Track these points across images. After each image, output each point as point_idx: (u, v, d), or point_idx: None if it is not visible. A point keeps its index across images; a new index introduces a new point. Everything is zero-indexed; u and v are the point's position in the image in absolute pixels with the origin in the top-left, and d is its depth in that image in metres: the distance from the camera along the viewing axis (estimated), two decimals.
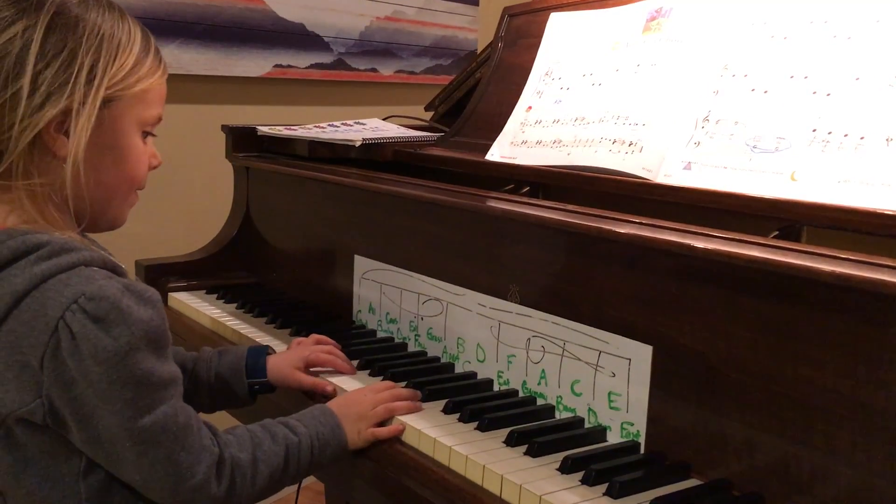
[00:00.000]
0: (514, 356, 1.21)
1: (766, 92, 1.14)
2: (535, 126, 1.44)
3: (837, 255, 0.87)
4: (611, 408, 1.08)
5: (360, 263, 1.50)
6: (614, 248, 1.07)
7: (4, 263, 0.89)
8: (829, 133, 1.05)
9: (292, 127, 1.83)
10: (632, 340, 1.05)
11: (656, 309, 1.02)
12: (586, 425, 1.11)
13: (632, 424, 1.06)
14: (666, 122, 1.23)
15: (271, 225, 1.80)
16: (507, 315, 1.22)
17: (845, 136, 1.04)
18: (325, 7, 2.67)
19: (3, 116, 0.90)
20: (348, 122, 1.91)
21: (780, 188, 1.06)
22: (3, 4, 0.92)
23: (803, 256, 0.88)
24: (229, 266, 1.82)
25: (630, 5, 1.41)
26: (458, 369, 1.31)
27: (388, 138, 1.69)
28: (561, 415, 1.15)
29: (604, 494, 0.94)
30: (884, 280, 0.80)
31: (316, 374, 1.27)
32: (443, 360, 1.34)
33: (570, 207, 1.17)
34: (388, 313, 1.45)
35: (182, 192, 2.35)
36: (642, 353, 1.04)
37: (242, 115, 2.44)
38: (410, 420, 1.12)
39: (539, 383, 1.18)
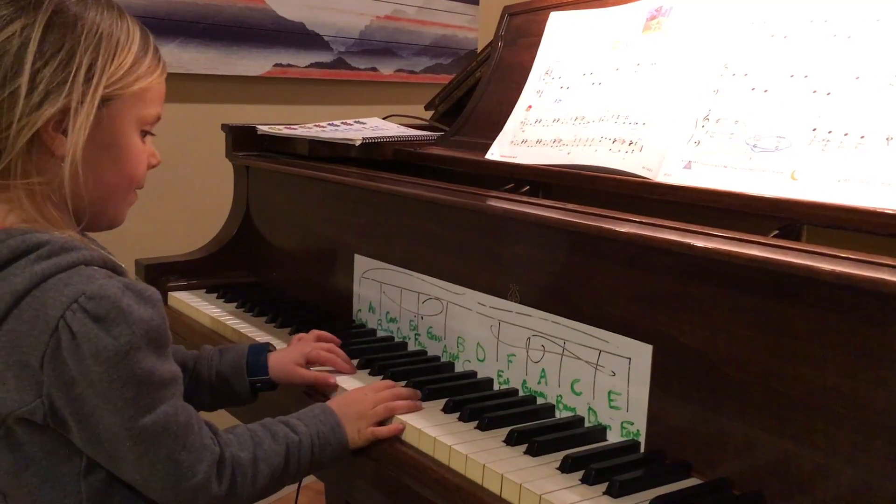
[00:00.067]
0: (514, 355, 1.21)
1: (766, 91, 1.14)
2: (535, 125, 1.44)
3: (837, 254, 0.87)
4: (611, 407, 1.08)
5: (360, 262, 1.50)
6: (614, 248, 1.07)
7: (4, 263, 0.89)
8: (830, 132, 1.05)
9: (292, 126, 1.83)
10: (632, 340, 1.05)
11: (656, 308, 1.02)
12: (586, 424, 1.11)
13: (632, 423, 1.06)
14: (666, 122, 1.23)
15: (271, 224, 1.80)
16: (507, 314, 1.22)
17: (845, 135, 1.04)
18: (325, 6, 2.67)
19: (1, 115, 0.90)
20: (348, 121, 1.91)
21: (781, 187, 1.05)
22: (1, 3, 0.92)
23: (803, 255, 0.88)
24: (229, 265, 1.82)
25: (630, 4, 1.40)
26: (458, 368, 1.31)
27: (388, 137, 1.69)
28: (561, 414, 1.15)
29: (604, 493, 0.94)
30: (884, 279, 0.80)
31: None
32: (443, 360, 1.34)
33: (571, 206, 1.17)
34: (388, 312, 1.45)
35: (182, 192, 2.35)
36: (642, 353, 1.04)
37: (242, 114, 2.44)
38: (410, 419, 1.12)
39: (539, 382, 1.18)
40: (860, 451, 0.84)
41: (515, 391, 1.21)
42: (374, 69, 2.88)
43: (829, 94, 1.08)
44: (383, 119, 1.98)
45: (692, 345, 0.99)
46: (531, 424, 1.10)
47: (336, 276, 1.57)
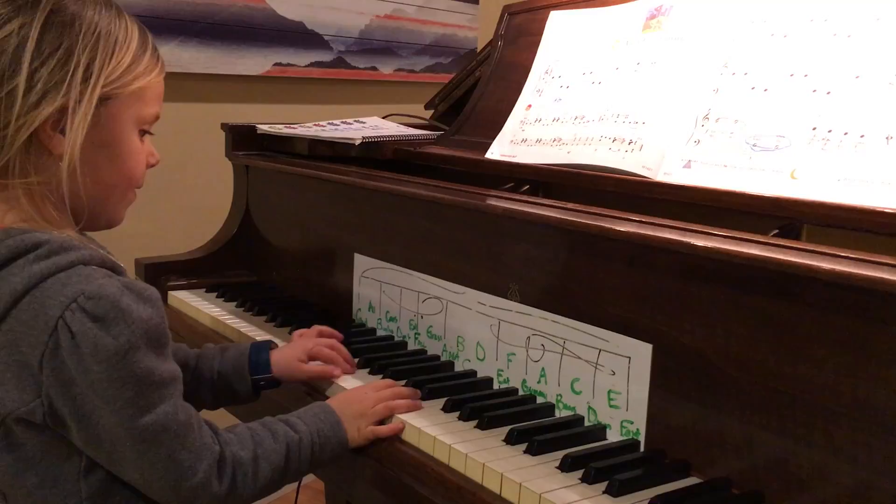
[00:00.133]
0: (514, 354, 1.21)
1: (766, 90, 1.14)
2: (534, 124, 1.44)
3: (837, 253, 0.87)
4: (610, 406, 1.08)
5: (360, 262, 1.50)
6: (614, 247, 1.07)
7: (2, 263, 0.89)
8: (829, 131, 1.05)
9: (292, 125, 1.83)
10: (631, 339, 1.05)
11: (656, 307, 1.02)
12: (586, 423, 1.11)
13: (631, 423, 1.06)
14: (666, 121, 1.23)
15: (271, 223, 1.80)
16: (506, 313, 1.22)
17: (845, 134, 1.03)
18: (325, 5, 2.67)
19: None
20: (348, 120, 1.91)
21: (780, 186, 1.05)
22: None
23: (803, 255, 0.88)
24: (229, 264, 1.82)
25: (630, 3, 1.40)
26: (458, 368, 1.31)
27: (388, 137, 1.68)
28: (560, 413, 1.15)
29: (603, 493, 0.94)
30: (883, 278, 0.80)
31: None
32: (442, 359, 1.34)
33: (570, 206, 1.17)
34: (387, 312, 1.45)
35: (182, 191, 2.35)
36: (642, 352, 1.04)
37: (242, 113, 2.44)
38: (410, 418, 1.12)
39: (539, 382, 1.18)
40: (860, 450, 0.84)
41: (515, 390, 1.21)
42: (373, 68, 2.88)
43: (828, 93, 1.08)
44: (383, 118, 1.98)
45: (692, 344, 0.99)
46: (531, 423, 1.10)
47: (336, 276, 1.57)
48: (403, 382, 1.22)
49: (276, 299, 1.66)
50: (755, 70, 1.17)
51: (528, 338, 1.18)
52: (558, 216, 1.12)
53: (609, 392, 1.08)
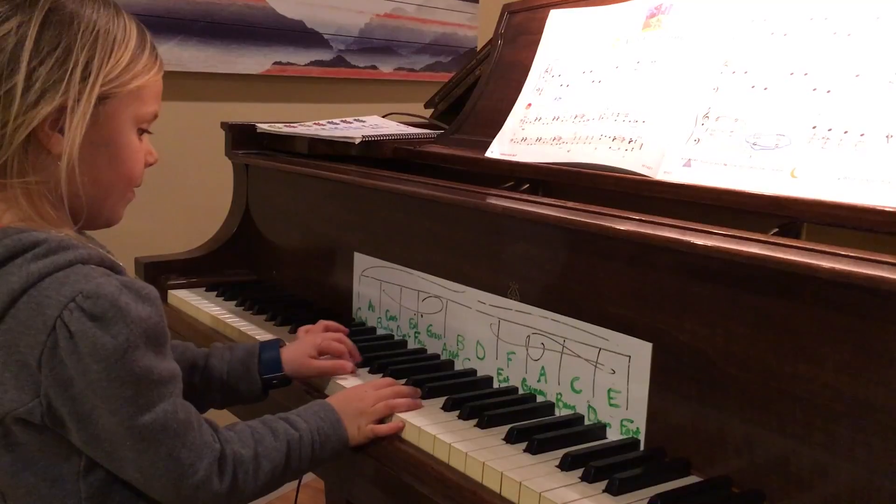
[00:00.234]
0: (514, 353, 1.21)
1: (766, 89, 1.14)
2: (534, 123, 1.44)
3: (837, 251, 0.87)
4: (610, 405, 1.08)
5: (360, 261, 1.50)
6: (614, 245, 1.07)
7: (0, 262, 0.89)
8: (829, 130, 1.05)
9: (292, 124, 1.83)
10: (631, 337, 1.05)
11: (656, 306, 1.02)
12: (586, 422, 1.11)
13: (631, 421, 1.06)
14: (666, 119, 1.23)
15: (271, 222, 1.79)
16: (506, 312, 1.22)
17: (845, 132, 1.03)
18: (325, 4, 2.67)
19: None
20: (348, 119, 1.91)
21: (780, 185, 1.05)
22: None
23: (803, 253, 0.88)
24: (229, 263, 1.82)
25: (630, 2, 1.40)
26: (458, 366, 1.31)
27: (388, 135, 1.68)
28: (560, 412, 1.15)
29: (603, 491, 0.94)
30: (883, 277, 0.80)
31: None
32: (442, 358, 1.34)
33: (570, 204, 1.17)
34: (387, 310, 1.45)
35: (181, 190, 2.35)
36: (642, 350, 1.04)
37: (242, 112, 2.44)
38: (410, 417, 1.12)
39: (539, 380, 1.18)
40: (859, 449, 0.84)
41: (515, 389, 1.21)
42: (373, 67, 2.88)
43: (828, 91, 1.07)
44: (383, 117, 1.98)
45: (692, 343, 0.99)
46: (531, 422, 1.10)
47: (336, 275, 1.57)
48: (403, 381, 1.22)
49: (276, 298, 1.66)
50: (755, 69, 1.17)
51: (528, 337, 1.18)
52: (558, 215, 1.12)
53: (609, 391, 1.08)
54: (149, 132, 1.03)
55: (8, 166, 0.91)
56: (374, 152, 1.65)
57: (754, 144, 1.11)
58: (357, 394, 1.15)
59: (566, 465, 0.98)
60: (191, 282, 1.75)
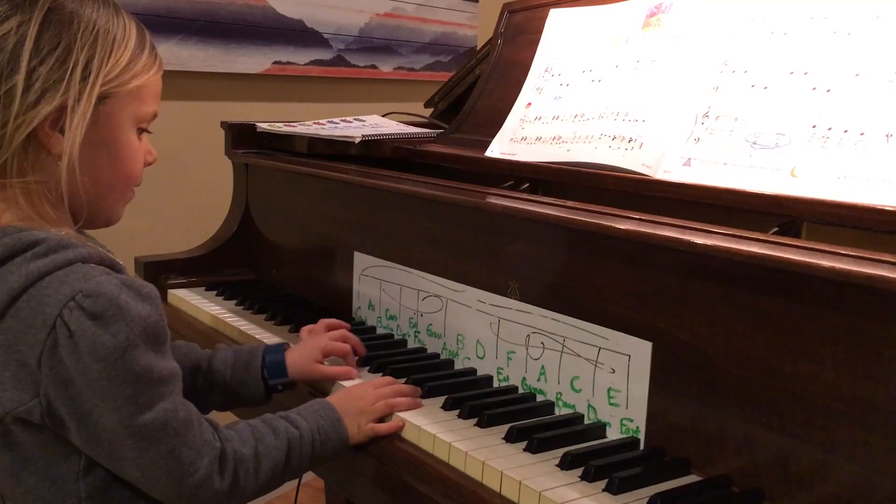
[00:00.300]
0: (514, 353, 1.21)
1: (765, 88, 1.14)
2: (534, 122, 1.44)
3: (837, 251, 0.87)
4: (610, 404, 1.08)
5: (360, 260, 1.50)
6: (614, 245, 1.07)
7: (0, 261, 0.89)
8: (829, 129, 1.05)
9: (292, 124, 1.83)
10: (631, 337, 1.05)
11: (656, 305, 1.02)
12: (586, 422, 1.11)
13: (631, 421, 1.06)
14: (666, 119, 1.23)
15: (271, 222, 1.79)
16: (506, 311, 1.22)
17: (845, 132, 1.03)
18: (325, 3, 2.67)
19: None
20: (348, 118, 1.91)
21: (780, 184, 1.05)
22: None
23: (803, 252, 0.88)
24: (229, 263, 1.82)
25: (630, 1, 1.40)
26: (458, 366, 1.31)
27: (388, 135, 1.68)
28: (560, 411, 1.15)
29: (603, 490, 0.94)
30: (883, 276, 0.80)
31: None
32: (442, 357, 1.34)
33: (570, 204, 1.17)
34: (387, 310, 1.45)
35: (181, 189, 2.35)
36: (642, 350, 1.04)
37: (242, 111, 2.44)
38: (410, 416, 1.12)
39: (539, 380, 1.18)
40: (859, 448, 0.84)
41: (515, 388, 1.21)
42: (373, 67, 2.88)
43: (828, 91, 1.08)
44: (383, 116, 1.98)
45: (692, 342, 0.99)
46: (531, 421, 1.10)
47: (335, 274, 1.57)
48: (403, 380, 1.22)
49: (276, 297, 1.65)
50: (755, 68, 1.17)
51: (528, 336, 1.18)
52: (558, 214, 1.12)
53: (609, 390, 1.08)
54: (148, 132, 1.03)
55: (8, 166, 0.91)
56: (373, 152, 1.65)
57: (754, 143, 1.11)
58: (357, 393, 1.15)
59: (566, 464, 0.98)
60: (191, 281, 1.75)
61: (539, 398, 1.18)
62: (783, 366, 0.90)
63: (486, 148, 1.48)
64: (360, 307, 1.52)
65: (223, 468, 0.95)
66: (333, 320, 1.35)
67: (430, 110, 1.99)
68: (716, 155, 1.14)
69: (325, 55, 2.70)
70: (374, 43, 2.86)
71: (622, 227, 1.04)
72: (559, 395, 1.15)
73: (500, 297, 1.22)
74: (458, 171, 1.50)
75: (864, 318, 0.84)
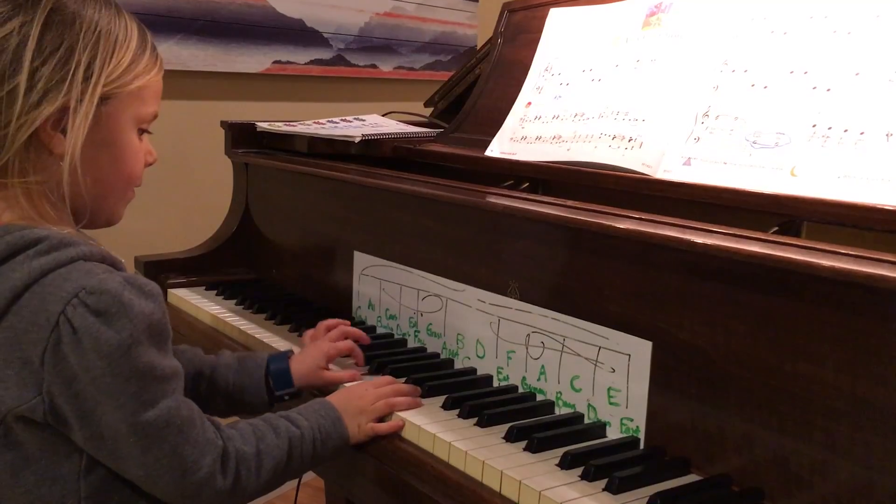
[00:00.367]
0: (514, 352, 1.21)
1: (765, 87, 1.14)
2: (534, 122, 1.44)
3: (837, 250, 0.87)
4: (610, 403, 1.08)
5: (360, 259, 1.50)
6: (614, 244, 1.07)
7: (2, 259, 0.89)
8: (829, 128, 1.05)
9: (292, 123, 1.83)
10: (631, 336, 1.05)
11: (656, 304, 1.02)
12: (586, 421, 1.11)
13: (631, 420, 1.06)
14: (666, 118, 1.23)
15: (271, 221, 1.79)
16: (506, 311, 1.22)
17: (845, 131, 1.03)
18: (325, 3, 2.67)
19: None
20: (348, 118, 1.91)
21: (780, 183, 1.05)
22: None
23: (803, 252, 0.88)
24: (229, 262, 1.82)
25: (630, 1, 1.40)
26: (458, 365, 1.31)
27: (388, 134, 1.68)
28: (560, 411, 1.15)
29: (603, 490, 0.94)
30: (883, 275, 0.80)
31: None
32: (442, 357, 1.34)
33: (570, 203, 1.17)
34: (387, 309, 1.45)
35: (181, 189, 2.35)
36: (642, 349, 1.04)
37: (242, 111, 2.44)
38: (410, 416, 1.12)
39: (539, 379, 1.18)
40: (859, 447, 0.85)
41: (515, 388, 1.21)
42: (373, 66, 2.88)
43: (828, 90, 1.08)
44: (383, 116, 1.98)
45: (692, 341, 0.99)
46: (531, 421, 1.10)
47: (335, 273, 1.57)
48: (403, 380, 1.22)
49: (276, 297, 1.65)
50: (755, 67, 1.17)
51: (528, 335, 1.18)
52: (558, 213, 1.12)
53: (609, 389, 1.08)
54: (149, 132, 1.03)
55: (9, 166, 0.91)
56: (373, 151, 1.65)
57: (754, 143, 1.11)
58: (357, 392, 1.15)
59: (566, 463, 0.98)
60: (191, 281, 1.75)
61: (539, 398, 1.18)
62: (783, 365, 0.90)
63: (486, 147, 1.48)
64: (360, 307, 1.52)
65: (225, 467, 0.95)
66: (331, 320, 1.35)
67: (430, 110, 1.99)
68: (716, 154, 1.14)
69: (325, 55, 2.70)
70: (374, 42, 2.86)
71: (622, 227, 1.04)
72: (559, 395, 1.15)
73: (500, 296, 1.22)
74: (458, 170, 1.50)
75: (864, 317, 0.84)
